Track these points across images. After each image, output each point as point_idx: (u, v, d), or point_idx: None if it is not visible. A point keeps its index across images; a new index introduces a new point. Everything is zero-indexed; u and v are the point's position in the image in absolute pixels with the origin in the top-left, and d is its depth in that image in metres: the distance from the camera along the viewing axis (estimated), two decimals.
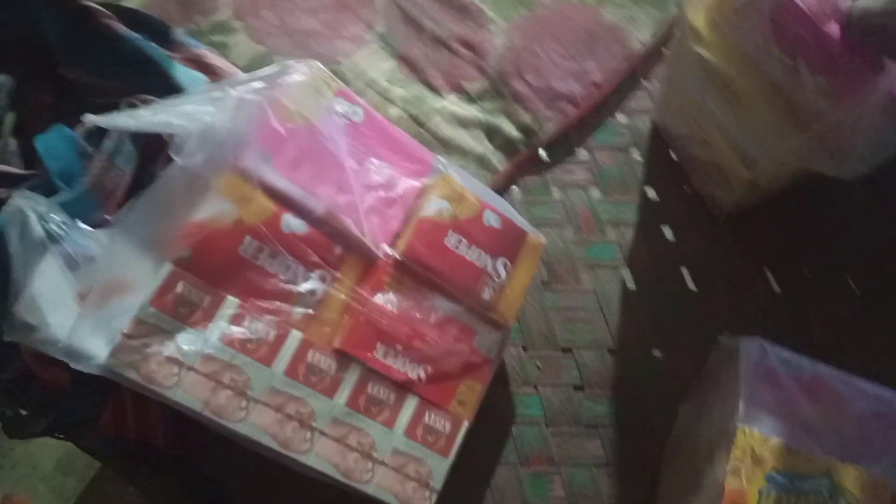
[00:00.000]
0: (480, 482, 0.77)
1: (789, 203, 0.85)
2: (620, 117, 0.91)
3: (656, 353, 0.81)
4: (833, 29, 0.57)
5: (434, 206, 0.68)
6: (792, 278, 0.84)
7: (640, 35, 0.90)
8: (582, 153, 0.90)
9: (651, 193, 0.88)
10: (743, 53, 0.63)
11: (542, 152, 0.89)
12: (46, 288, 0.58)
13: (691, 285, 0.84)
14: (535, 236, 0.73)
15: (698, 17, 0.66)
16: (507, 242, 0.71)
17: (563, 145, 0.90)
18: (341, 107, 0.67)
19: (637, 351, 0.81)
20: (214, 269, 0.61)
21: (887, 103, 0.58)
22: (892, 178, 0.80)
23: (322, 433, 0.63)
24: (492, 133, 0.87)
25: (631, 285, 0.84)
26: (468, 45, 0.88)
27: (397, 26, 0.88)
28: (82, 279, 0.59)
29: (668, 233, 0.87)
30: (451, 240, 0.68)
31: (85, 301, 0.59)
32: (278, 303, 0.63)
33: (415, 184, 0.68)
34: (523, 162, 0.88)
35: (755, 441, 0.60)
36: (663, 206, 0.88)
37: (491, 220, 0.70)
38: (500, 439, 0.79)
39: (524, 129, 0.87)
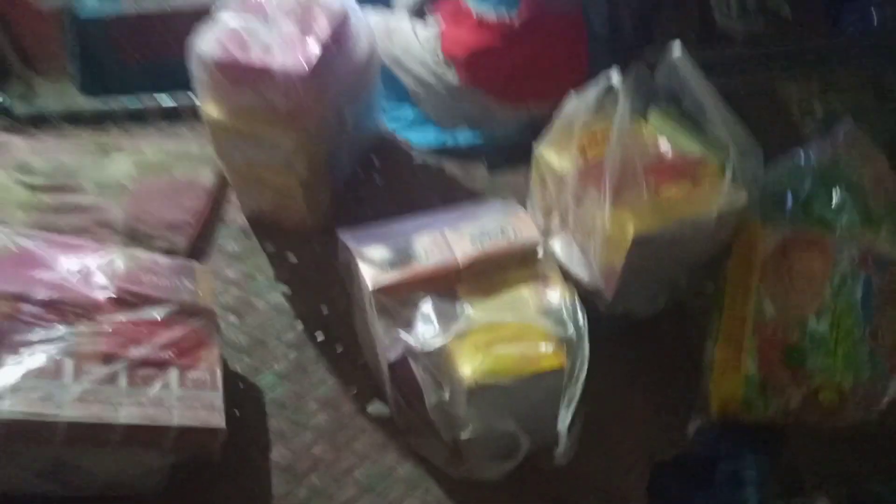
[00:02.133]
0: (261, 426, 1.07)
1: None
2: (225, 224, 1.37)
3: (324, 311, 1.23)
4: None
5: (122, 265, 1.02)
6: None
7: (204, 177, 1.39)
8: (214, 251, 1.32)
9: (269, 247, 1.32)
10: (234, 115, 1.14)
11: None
12: None
13: (316, 270, 1.29)
14: (200, 265, 1.11)
15: (211, 110, 1.16)
16: (182, 269, 1.08)
17: (199, 252, 1.30)
18: (26, 238, 1.00)
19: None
20: None
21: None
22: None
23: (120, 405, 0.89)
24: None
25: (286, 291, 1.25)
26: (99, 223, 1.26)
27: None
28: None
29: (291, 258, 1.31)
30: (144, 277, 1.03)
31: None
32: (43, 346, 0.89)
33: (102, 259, 1.02)
34: None
35: None
36: (278, 247, 1.32)
37: (163, 261, 1.07)
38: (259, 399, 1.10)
39: (166, 251, 1.26)
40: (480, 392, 0.90)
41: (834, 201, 1.10)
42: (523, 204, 1.18)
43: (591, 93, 0.97)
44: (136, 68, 1.96)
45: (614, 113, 0.96)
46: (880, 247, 1.00)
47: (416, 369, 0.95)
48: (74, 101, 1.68)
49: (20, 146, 1.44)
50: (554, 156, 1.07)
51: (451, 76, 1.41)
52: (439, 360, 0.93)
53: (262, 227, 1.36)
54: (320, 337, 1.19)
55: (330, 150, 1.28)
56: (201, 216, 1.34)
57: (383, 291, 1.00)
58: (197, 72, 1.13)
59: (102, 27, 1.90)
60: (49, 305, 0.93)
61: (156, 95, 1.55)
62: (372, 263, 1.03)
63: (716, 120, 1.00)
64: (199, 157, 1.42)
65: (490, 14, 1.34)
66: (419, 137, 1.50)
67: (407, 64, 1.46)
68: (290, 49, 1.11)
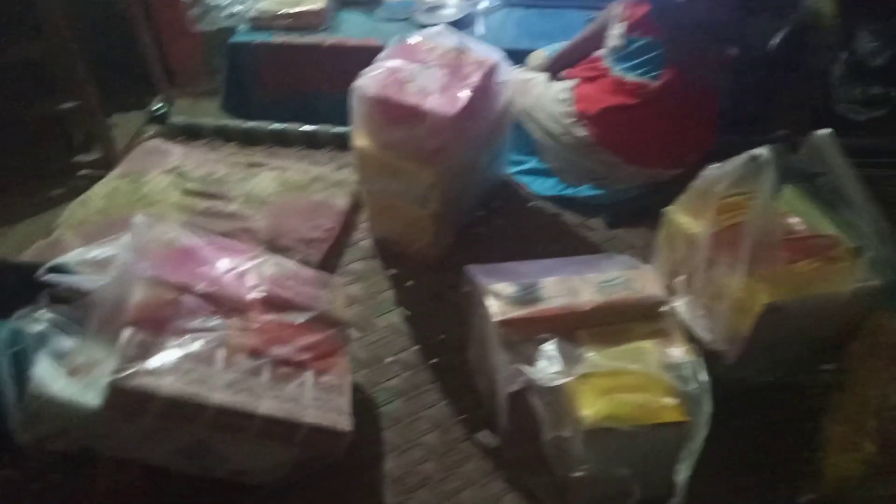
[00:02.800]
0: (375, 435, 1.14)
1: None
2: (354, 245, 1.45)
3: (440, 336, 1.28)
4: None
5: (270, 269, 1.11)
6: None
7: (340, 200, 1.48)
8: (343, 268, 1.40)
9: (391, 271, 1.40)
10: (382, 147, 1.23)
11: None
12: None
13: (435, 298, 1.35)
14: (335, 278, 1.19)
15: (360, 140, 1.26)
16: (322, 280, 1.16)
17: (329, 268, 1.39)
18: (189, 235, 1.10)
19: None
20: (152, 326, 0.95)
21: None
22: None
23: (262, 397, 0.96)
24: None
25: (406, 313, 1.32)
26: (243, 230, 1.37)
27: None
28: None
29: (411, 283, 1.38)
30: (289, 282, 1.11)
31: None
32: (200, 334, 0.98)
33: (254, 261, 1.11)
34: None
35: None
36: (401, 272, 1.39)
37: (306, 272, 1.15)
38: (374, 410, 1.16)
39: (300, 263, 1.35)
40: (598, 434, 0.93)
41: None
42: (644, 262, 1.22)
43: (733, 163, 1.01)
44: (277, 95, 2.13)
45: (751, 184, 0.99)
46: None
47: (536, 403, 0.99)
48: (223, 119, 1.84)
49: (177, 153, 1.58)
50: (687, 219, 1.10)
51: (581, 131, 1.47)
52: (560, 398, 0.97)
53: (388, 252, 1.44)
54: (434, 360, 1.25)
55: (461, 189, 1.35)
56: (334, 235, 1.44)
57: (508, 324, 1.05)
58: (355, 105, 1.24)
59: (251, 52, 2.08)
60: (207, 298, 1.02)
61: (299, 126, 1.69)
62: (498, 297, 1.08)
63: (856, 202, 1.02)
64: (336, 181, 1.53)
65: (630, 76, 1.40)
66: (541, 186, 1.56)
67: (537, 116, 1.54)
68: (442, 93, 1.21)
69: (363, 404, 1.17)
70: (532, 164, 1.60)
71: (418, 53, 1.27)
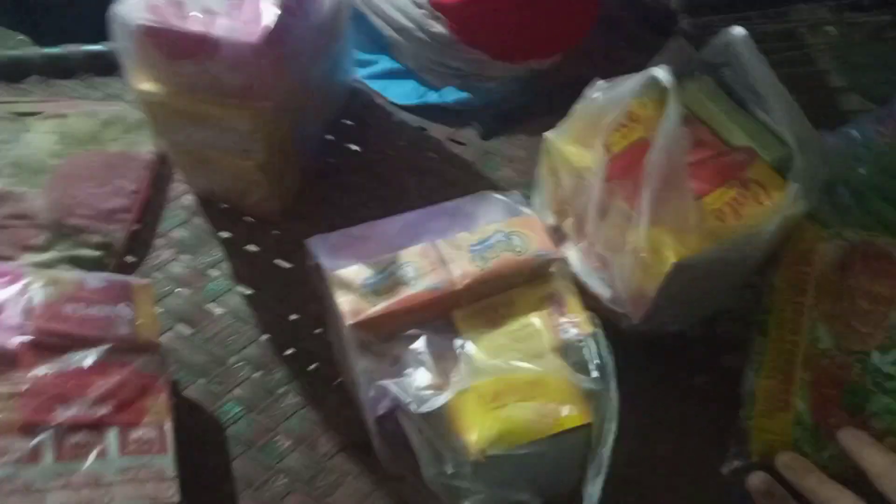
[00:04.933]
0: (222, 469, 0.91)
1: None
2: (170, 206, 1.16)
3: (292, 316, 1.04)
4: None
5: (40, 294, 0.82)
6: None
7: (144, 149, 1.16)
8: (159, 241, 1.11)
9: (224, 235, 1.13)
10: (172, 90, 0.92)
11: (128, 258, 1.08)
12: None
13: (284, 264, 1.10)
14: (138, 280, 0.91)
15: (143, 84, 0.93)
16: (117, 290, 0.88)
17: (141, 244, 1.11)
18: None
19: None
20: None
21: None
22: None
23: (46, 491, 0.72)
24: (78, 262, 1.03)
25: (248, 292, 1.07)
26: (16, 216, 1.05)
27: None
28: None
29: (251, 248, 1.12)
30: (68, 308, 0.83)
31: None
32: None
33: (14, 288, 0.82)
34: (116, 270, 1.06)
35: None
36: (236, 234, 1.12)
37: (92, 281, 0.87)
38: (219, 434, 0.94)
39: (100, 247, 1.05)
40: (490, 463, 0.75)
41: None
42: (527, 190, 0.99)
43: (627, 85, 0.77)
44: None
45: (649, 109, 0.76)
46: None
47: (409, 429, 0.79)
48: None
49: None
50: (573, 148, 0.87)
51: (440, 27, 1.17)
52: (438, 422, 0.77)
53: (216, 209, 1.15)
54: (288, 351, 1.02)
55: (294, 123, 1.06)
56: (141, 199, 1.13)
57: (364, 325, 0.82)
58: (122, 41, 0.90)
59: None
60: None
61: (87, 48, 1.29)
62: (350, 289, 0.84)
63: (774, 106, 0.80)
64: (137, 122, 1.19)
65: None
66: (398, 93, 1.27)
67: (384, 9, 1.22)
68: (238, 11, 0.88)
69: (203, 429, 0.94)
70: (384, 64, 1.30)
71: None
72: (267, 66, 0.90)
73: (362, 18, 1.26)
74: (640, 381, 0.84)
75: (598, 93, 0.81)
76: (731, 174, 0.84)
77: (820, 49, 1.41)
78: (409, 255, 0.87)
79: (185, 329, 1.03)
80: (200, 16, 0.86)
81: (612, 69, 0.87)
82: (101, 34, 1.26)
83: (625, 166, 0.81)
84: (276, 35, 0.89)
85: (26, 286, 0.83)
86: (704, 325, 0.99)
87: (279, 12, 0.89)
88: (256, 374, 0.99)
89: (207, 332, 1.03)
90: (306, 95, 1.07)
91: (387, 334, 0.83)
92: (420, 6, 1.18)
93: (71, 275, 0.88)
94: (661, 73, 0.72)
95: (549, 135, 0.90)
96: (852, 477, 0.84)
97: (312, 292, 0.98)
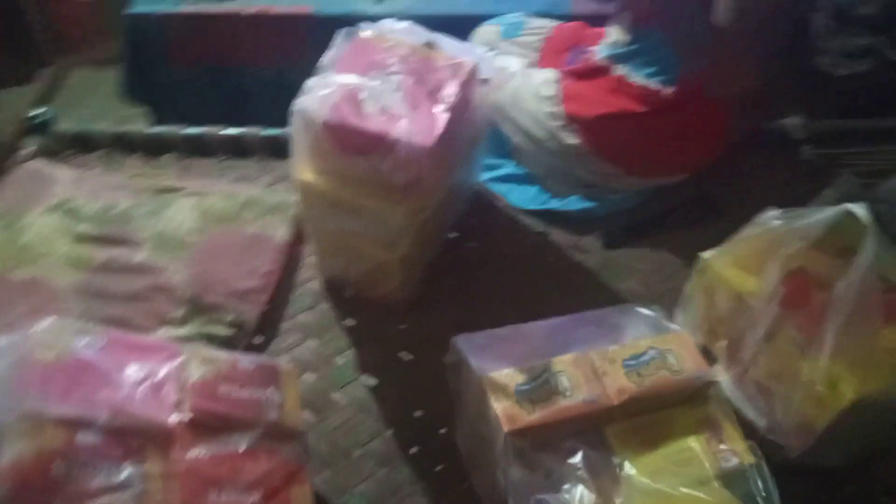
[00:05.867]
0: None
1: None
2: (298, 290, 1.17)
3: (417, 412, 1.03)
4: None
5: (196, 372, 0.83)
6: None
7: (279, 232, 1.19)
8: (287, 324, 1.12)
9: (350, 322, 1.13)
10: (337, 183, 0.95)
11: (256, 339, 1.09)
12: None
13: (409, 356, 1.09)
14: (286, 364, 0.91)
15: (307, 174, 0.97)
16: (266, 373, 0.88)
17: (270, 326, 1.12)
18: (83, 339, 0.81)
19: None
20: (37, 498, 0.67)
21: None
22: None
23: None
24: (210, 339, 1.04)
25: (372, 382, 1.06)
26: (156, 288, 1.07)
27: (89, 301, 1.04)
28: None
29: (377, 338, 1.12)
30: (223, 388, 0.83)
31: None
32: (106, 497, 0.70)
33: (172, 364, 0.82)
34: (245, 350, 1.06)
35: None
36: (362, 322, 1.13)
37: (245, 363, 0.87)
38: None
39: (233, 325, 1.07)
40: None
41: None
42: (660, 305, 0.98)
43: (814, 216, 0.77)
44: (188, 73, 1.78)
45: (833, 242, 0.76)
46: None
47: None
48: (125, 124, 1.49)
49: (65, 178, 1.24)
50: (736, 272, 0.87)
51: (570, 137, 1.20)
52: None
53: (342, 295, 1.16)
54: (413, 449, 1.01)
55: (436, 223, 1.09)
56: (274, 280, 1.15)
57: (521, 434, 0.81)
58: (297, 131, 0.94)
59: (154, 26, 1.71)
60: (112, 433, 0.74)
61: (223, 130, 1.35)
62: (505, 394, 0.83)
63: None
64: (273, 205, 1.22)
65: (636, 77, 1.13)
66: (522, 198, 1.30)
67: (514, 115, 1.26)
68: (413, 113, 0.92)
69: None
70: (509, 169, 1.33)
71: (374, 55, 0.97)
72: (433, 168, 0.93)
73: (493, 124, 1.30)
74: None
75: (776, 221, 0.82)
76: None
77: None
78: (563, 364, 0.86)
79: (309, 416, 1.02)
80: (377, 116, 0.90)
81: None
82: (223, 115, 1.34)
83: (796, 295, 0.80)
84: (444, 137, 0.93)
85: (184, 364, 0.83)
86: (860, 463, 0.95)
87: (450, 118, 0.93)
88: (382, 471, 0.97)
89: (332, 422, 1.02)
90: (450, 197, 1.10)
91: (540, 444, 0.81)
92: (556, 117, 1.22)
93: (225, 354, 0.88)
94: (859, 209, 0.72)
95: (707, 255, 0.90)
96: None
97: (439, 389, 0.98)
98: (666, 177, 1.24)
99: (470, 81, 0.98)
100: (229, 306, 1.08)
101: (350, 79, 0.91)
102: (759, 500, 0.76)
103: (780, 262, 0.79)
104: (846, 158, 1.15)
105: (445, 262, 1.21)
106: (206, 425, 0.80)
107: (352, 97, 0.91)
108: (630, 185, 1.24)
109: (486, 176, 1.32)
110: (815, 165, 1.29)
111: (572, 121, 1.21)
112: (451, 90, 0.94)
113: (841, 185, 0.85)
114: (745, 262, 0.86)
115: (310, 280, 1.19)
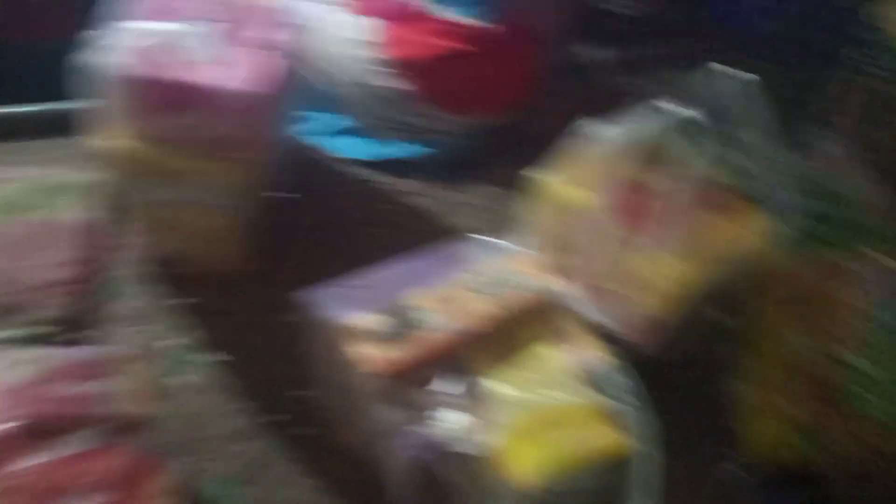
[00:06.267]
0: None
1: None
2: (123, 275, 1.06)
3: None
4: None
5: (17, 376, 0.72)
6: None
7: (74, 216, 1.05)
8: (114, 313, 1.01)
9: (187, 301, 1.04)
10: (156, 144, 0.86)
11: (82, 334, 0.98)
12: None
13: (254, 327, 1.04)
14: (123, 351, 0.83)
15: (116, 141, 0.87)
16: (100, 365, 0.78)
17: (92, 316, 1.00)
18: None
19: None
20: None
21: None
22: None
23: None
24: (26, 342, 0.91)
25: (221, 359, 0.99)
26: None
27: None
28: None
29: (219, 313, 1.04)
30: (52, 388, 0.73)
31: None
32: None
33: None
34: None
35: None
36: (201, 299, 1.04)
37: (72, 357, 0.78)
38: None
39: (44, 323, 0.94)
40: (539, 497, 0.73)
41: (834, 218, 1.05)
42: (512, 238, 1.01)
43: (638, 124, 0.82)
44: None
45: (655, 145, 0.81)
46: None
47: (447, 472, 0.76)
48: None
49: None
50: (568, 188, 0.90)
51: (395, 82, 1.18)
52: (481, 461, 0.74)
53: (175, 275, 1.07)
54: (276, 418, 0.96)
55: (269, 181, 1.02)
56: (85, 269, 1.03)
57: (388, 374, 0.79)
58: (102, 90, 0.83)
59: None
60: None
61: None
62: (366, 338, 0.81)
63: (753, 144, 0.88)
64: (60, 187, 1.07)
65: (457, 18, 1.13)
66: (349, 148, 1.27)
67: (334, 65, 1.22)
68: (230, 62, 0.85)
69: None
70: (331, 121, 1.29)
71: (182, 8, 0.88)
72: (257, 119, 0.87)
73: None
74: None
75: (601, 134, 0.85)
76: (717, 207, 0.91)
77: None
78: (418, 300, 0.85)
79: (158, 406, 0.93)
80: (190, 66, 0.83)
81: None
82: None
83: (629, 202, 0.85)
84: (265, 86, 0.87)
85: (13, 361, 0.73)
86: (694, 349, 1.04)
87: (269, 64, 0.87)
88: (245, 447, 0.92)
89: (185, 407, 0.94)
90: (274, 150, 1.04)
91: (409, 382, 0.80)
92: (376, 63, 1.19)
93: (48, 352, 0.78)
94: (689, 113, 0.77)
95: (540, 176, 0.93)
96: (839, 468, 0.90)
97: (292, 354, 0.94)
98: (492, 113, 1.26)
99: (284, 27, 0.93)
100: (34, 303, 0.96)
101: (155, 27, 0.83)
102: (621, 395, 0.80)
103: (608, 171, 0.83)
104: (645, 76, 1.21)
105: (280, 224, 1.16)
106: (39, 430, 0.70)
107: (159, 48, 0.83)
108: (456, 124, 1.25)
109: (310, 129, 1.27)
110: (630, 89, 1.38)
111: (396, 66, 1.19)
112: (266, 35, 0.88)
113: (651, 95, 0.90)
114: (577, 176, 0.89)
115: (133, 262, 1.08)
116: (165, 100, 0.83)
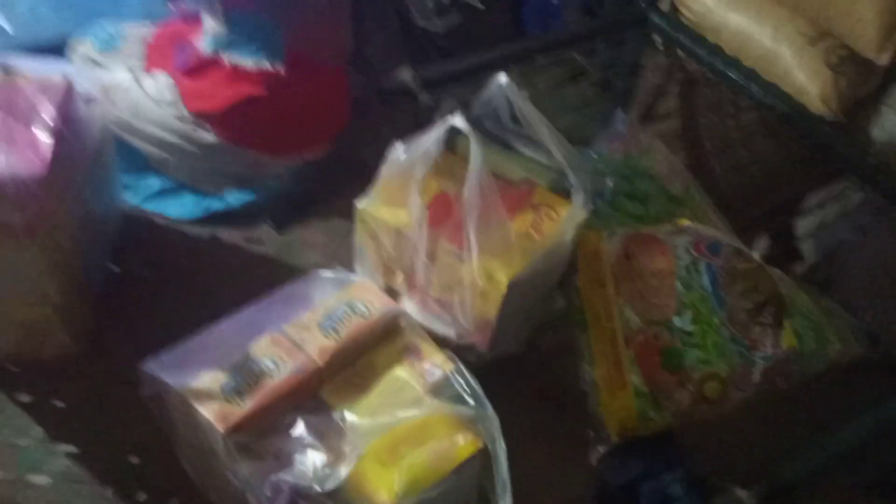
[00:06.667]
0: None
1: None
2: None
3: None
4: None
5: None
6: None
7: None
8: None
9: (23, 398, 0.99)
10: None
11: None
12: None
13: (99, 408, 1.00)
14: None
15: None
16: None
17: None
18: None
19: None
20: None
21: None
22: None
23: None
24: None
25: (73, 450, 0.95)
26: None
27: None
28: None
29: (59, 403, 0.99)
30: None
31: None
32: None
33: None
34: None
35: None
36: (38, 393, 0.98)
37: None
38: None
39: None
40: None
41: (640, 194, 1.14)
42: (348, 267, 1.03)
43: (431, 137, 0.86)
44: None
45: (448, 156, 0.86)
46: (706, 231, 1.05)
47: None
48: None
49: None
50: (387, 210, 0.93)
51: (206, 135, 1.18)
52: (345, 495, 0.76)
53: (4, 369, 1.02)
54: (142, 497, 0.93)
55: (82, 257, 0.99)
56: None
57: (238, 429, 0.79)
58: None
59: None
60: None
61: None
62: (210, 397, 0.80)
63: (542, 136, 0.94)
64: None
65: (248, 63, 1.14)
66: (177, 209, 1.25)
67: (141, 128, 1.20)
68: (12, 147, 0.82)
69: None
70: (153, 183, 1.26)
71: None
72: (52, 199, 0.84)
73: (121, 143, 1.22)
74: (497, 404, 0.91)
75: (402, 154, 0.89)
76: (522, 203, 0.97)
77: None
78: (261, 349, 0.86)
79: None
80: None
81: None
82: None
83: (440, 213, 0.89)
84: (56, 164, 0.85)
85: None
86: (532, 342, 1.10)
87: (55, 141, 0.85)
88: None
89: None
90: (85, 225, 1.01)
91: (262, 431, 0.80)
92: (183, 119, 1.18)
93: None
94: (458, 121, 0.82)
95: (359, 203, 0.96)
96: (684, 425, 0.98)
97: (147, 427, 0.91)
98: (310, 150, 1.28)
99: (67, 100, 0.90)
100: None
101: None
102: (466, 397, 0.84)
103: (416, 187, 0.87)
104: (452, 91, 1.29)
105: (115, 298, 1.12)
106: None
107: None
108: (278, 166, 1.26)
109: (135, 196, 1.24)
110: (434, 105, 1.44)
111: (200, 119, 1.18)
112: (47, 113, 0.86)
113: (444, 110, 0.95)
114: (391, 199, 0.93)
115: None
116: None
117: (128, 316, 1.10)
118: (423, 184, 0.89)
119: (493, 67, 1.07)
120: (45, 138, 0.84)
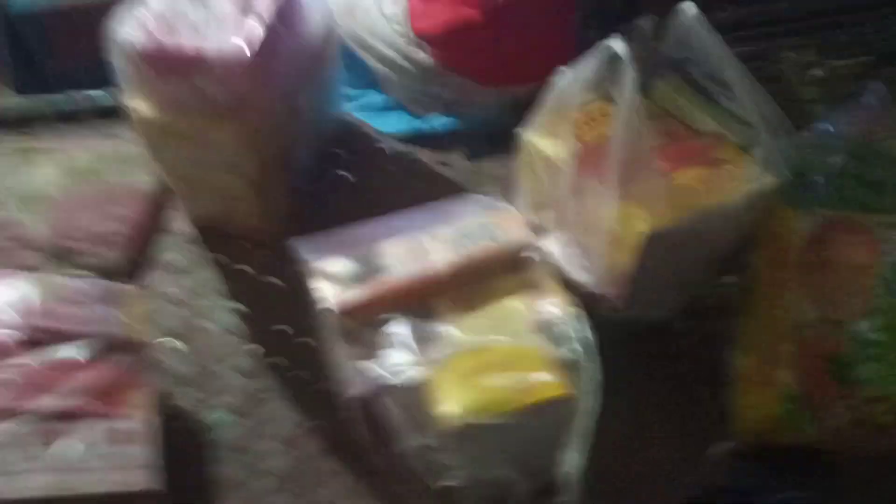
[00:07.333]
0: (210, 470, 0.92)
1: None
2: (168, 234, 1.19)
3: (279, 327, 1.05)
4: None
5: (31, 294, 0.85)
6: None
7: (142, 181, 1.20)
8: (156, 265, 1.14)
9: (218, 257, 1.15)
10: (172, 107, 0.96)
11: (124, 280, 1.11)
12: None
13: (276, 281, 1.11)
14: (127, 286, 0.94)
15: (136, 105, 0.98)
16: (106, 293, 0.90)
17: (138, 268, 1.13)
18: None
19: None
20: None
21: None
22: None
23: (25, 473, 0.72)
24: None
25: (239, 307, 1.09)
26: (13, 238, 1.09)
27: None
28: None
29: (244, 268, 1.14)
30: (62, 309, 0.85)
31: None
32: None
33: (6, 288, 0.84)
34: None
35: None
36: (230, 256, 1.14)
37: (88, 286, 0.90)
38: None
39: (94, 269, 1.08)
40: (470, 433, 0.74)
41: (873, 179, 0.95)
42: (510, 198, 1.02)
43: (588, 66, 0.81)
44: (78, 67, 1.78)
45: (611, 87, 0.80)
46: None
47: (390, 406, 0.79)
48: None
49: None
50: (546, 141, 0.90)
51: (424, 57, 1.23)
52: (418, 396, 0.76)
53: (213, 236, 1.18)
54: (281, 362, 1.03)
55: (283, 145, 1.11)
56: (140, 226, 1.16)
57: (344, 311, 0.83)
58: (119, 63, 0.95)
59: (37, 22, 1.73)
60: None
61: (91, 93, 1.37)
62: (331, 278, 0.86)
63: (739, 91, 0.83)
64: (138, 159, 1.24)
65: None
66: (388, 125, 1.32)
67: (372, 44, 1.29)
68: (227, 30, 0.93)
69: (191, 436, 0.94)
70: (373, 97, 1.36)
71: None
72: (253, 82, 0.95)
73: (352, 56, 1.33)
74: (623, 368, 0.84)
75: (561, 79, 0.85)
76: (699, 155, 0.87)
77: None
78: (391, 247, 0.89)
79: (179, 345, 1.04)
80: (190, 33, 0.92)
81: None
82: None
83: (596, 156, 0.83)
84: (261, 51, 0.95)
85: (24, 290, 0.85)
86: (689, 318, 0.99)
87: (265, 30, 0.95)
88: (243, 383, 1.00)
89: (199, 346, 1.04)
90: (295, 119, 1.12)
91: (369, 322, 0.84)
92: (407, 39, 1.25)
93: (63, 279, 0.90)
94: (617, 45, 0.76)
95: (522, 131, 0.94)
96: (840, 448, 0.82)
97: (306, 307, 1.00)
98: (517, 85, 1.27)
99: (290, 2, 1.00)
100: (88, 249, 1.10)
101: (159, 2, 0.94)
102: (574, 343, 0.79)
103: (570, 118, 0.82)
104: None
105: (312, 191, 1.24)
106: (39, 340, 0.82)
107: (163, 17, 0.93)
108: (485, 97, 1.27)
109: (353, 106, 1.35)
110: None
111: (422, 39, 1.23)
112: (265, 6, 0.96)
113: (636, 35, 0.87)
114: (551, 128, 0.89)
115: (181, 227, 1.20)
116: (168, 67, 0.93)
117: (320, 209, 1.21)
118: (586, 122, 0.84)
119: None
120: (256, 26, 0.94)
